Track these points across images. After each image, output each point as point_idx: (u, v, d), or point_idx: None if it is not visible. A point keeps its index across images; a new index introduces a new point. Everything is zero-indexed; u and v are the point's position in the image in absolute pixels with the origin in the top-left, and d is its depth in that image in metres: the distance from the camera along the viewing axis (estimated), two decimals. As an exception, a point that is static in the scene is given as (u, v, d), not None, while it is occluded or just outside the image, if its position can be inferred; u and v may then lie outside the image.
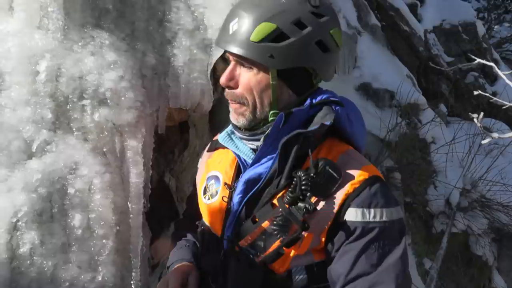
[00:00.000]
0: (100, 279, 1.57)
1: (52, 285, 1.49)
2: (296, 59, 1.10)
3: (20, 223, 1.47)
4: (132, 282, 1.70)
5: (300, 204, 1.04)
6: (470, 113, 2.24)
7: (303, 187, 1.04)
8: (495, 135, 2.21)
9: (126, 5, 1.82)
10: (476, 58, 3.18)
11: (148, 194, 1.86)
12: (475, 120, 2.13)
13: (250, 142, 1.20)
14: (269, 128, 1.13)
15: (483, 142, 2.38)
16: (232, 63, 1.16)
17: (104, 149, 1.69)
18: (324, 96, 1.19)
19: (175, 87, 1.89)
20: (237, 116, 1.18)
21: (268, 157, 1.16)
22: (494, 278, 5.52)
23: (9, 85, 1.58)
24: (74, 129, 1.66)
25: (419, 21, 7.89)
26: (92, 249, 1.58)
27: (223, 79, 1.16)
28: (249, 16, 1.08)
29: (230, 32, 1.10)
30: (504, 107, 2.73)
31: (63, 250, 1.53)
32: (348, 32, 5.68)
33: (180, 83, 1.89)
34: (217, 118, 2.71)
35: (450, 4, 9.04)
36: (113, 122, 1.69)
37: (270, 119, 1.15)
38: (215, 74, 2.15)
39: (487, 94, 2.81)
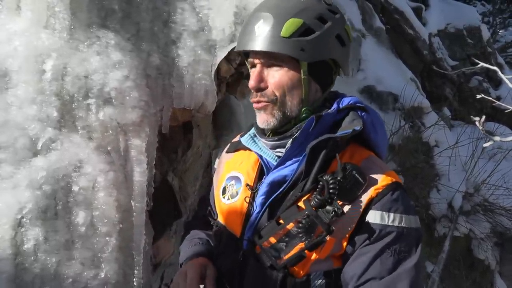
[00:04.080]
0: (102, 276, 1.58)
1: (56, 281, 1.50)
2: (323, 51, 1.14)
3: (24, 219, 1.49)
4: (134, 280, 1.71)
5: (329, 208, 1.05)
6: (472, 116, 2.25)
7: (331, 191, 1.05)
8: (497, 138, 2.21)
9: (132, 6, 1.83)
10: (479, 62, 3.18)
11: (151, 193, 1.87)
12: (476, 123, 2.14)
13: (276, 150, 1.21)
14: (298, 131, 1.15)
15: (484, 145, 2.38)
16: (259, 67, 1.17)
17: (109, 148, 1.71)
18: (351, 101, 1.21)
19: (179, 87, 1.90)
20: (266, 117, 1.18)
21: (294, 159, 1.16)
22: (496, 282, 5.51)
23: (16, 84, 1.60)
24: (79, 127, 1.67)
25: (423, 24, 7.90)
26: (95, 246, 1.60)
27: (252, 83, 1.16)
28: (275, 15, 1.11)
29: (257, 33, 1.12)
30: (507, 111, 2.73)
31: (66, 247, 1.55)
32: (352, 35, 5.69)
33: (184, 83, 1.90)
34: (221, 118, 2.72)
35: (455, 8, 9.04)
36: (118, 121, 1.71)
37: (302, 116, 1.17)
38: (219, 75, 2.16)
39: (490, 98, 2.81)
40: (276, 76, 1.15)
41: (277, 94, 1.15)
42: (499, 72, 2.92)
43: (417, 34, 7.15)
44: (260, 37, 1.11)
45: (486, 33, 9.07)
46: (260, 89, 1.17)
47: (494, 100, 2.89)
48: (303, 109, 1.17)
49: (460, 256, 5.28)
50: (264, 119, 1.19)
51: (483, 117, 2.11)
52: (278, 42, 1.10)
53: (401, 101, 5.77)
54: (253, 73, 1.17)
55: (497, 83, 8.55)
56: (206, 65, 1.93)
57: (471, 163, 6.05)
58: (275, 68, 1.15)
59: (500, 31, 13.52)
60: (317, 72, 1.16)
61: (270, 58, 1.14)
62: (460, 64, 7.96)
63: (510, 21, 13.87)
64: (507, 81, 2.78)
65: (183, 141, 2.43)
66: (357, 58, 5.82)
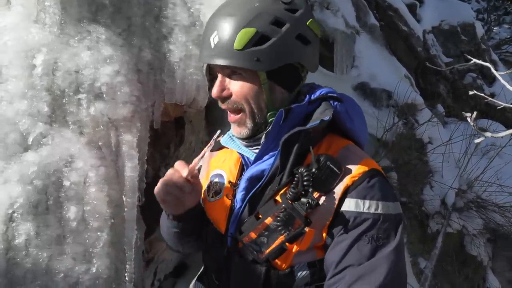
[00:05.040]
0: (94, 271, 1.59)
1: (47, 276, 1.50)
2: (281, 57, 1.11)
3: (15, 214, 1.49)
4: (126, 275, 1.71)
5: (303, 200, 1.05)
6: (463, 113, 2.26)
7: (305, 183, 1.05)
8: (488, 134, 2.22)
9: (123, 0, 1.83)
10: (472, 58, 3.20)
11: (143, 188, 1.87)
12: (468, 119, 2.15)
13: (253, 149, 1.21)
14: (270, 126, 1.14)
15: (476, 141, 2.40)
16: (220, 76, 1.16)
17: (100, 143, 1.71)
18: (323, 92, 1.20)
19: (170, 83, 1.90)
20: (239, 129, 1.18)
21: (270, 154, 1.16)
22: (489, 278, 5.56)
23: (6, 79, 1.59)
24: (70, 122, 1.67)
25: (418, 21, 7.92)
26: (87, 241, 1.60)
27: (214, 92, 1.16)
28: (228, 26, 1.08)
29: (212, 45, 1.10)
30: (499, 107, 2.75)
31: (58, 241, 1.55)
32: (346, 32, 5.70)
33: (175, 78, 1.91)
34: (213, 114, 2.73)
35: (449, 4, 9.05)
36: (109, 116, 1.71)
37: (269, 120, 1.16)
38: (211, 71, 2.16)
39: (482, 94, 2.83)
40: (237, 86, 1.14)
41: (242, 103, 1.15)
42: (492, 69, 2.94)
43: (411, 31, 7.16)
44: (215, 50, 1.10)
45: (480, 30, 9.10)
46: (223, 98, 1.16)
47: (486, 97, 2.91)
48: (268, 113, 1.16)
49: (452, 252, 5.31)
50: (237, 131, 1.19)
51: (475, 113, 2.12)
52: (232, 55, 1.08)
53: (395, 98, 5.78)
54: (216, 83, 1.17)
55: (491, 80, 8.59)
56: (197, 60, 1.93)
57: (464, 160, 6.08)
58: (234, 77, 1.14)
59: (494, 28, 13.58)
60: (279, 76, 1.14)
61: (229, 68, 1.13)
62: (454, 61, 7.99)
63: (505, 18, 13.93)
64: (500, 78, 2.79)
65: (175, 136, 2.43)
66: (351, 55, 5.83)
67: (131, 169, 1.76)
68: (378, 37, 6.54)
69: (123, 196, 1.75)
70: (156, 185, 1.20)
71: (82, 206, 1.62)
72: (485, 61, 4.00)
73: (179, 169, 1.17)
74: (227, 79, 1.16)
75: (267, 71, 1.11)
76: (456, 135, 6.04)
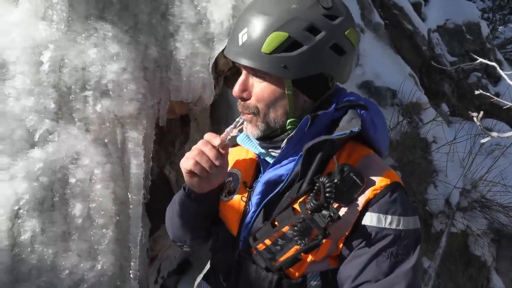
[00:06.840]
0: (99, 267, 1.59)
1: (52, 273, 1.51)
2: (311, 66, 1.05)
3: (21, 211, 1.49)
4: (130, 272, 1.72)
5: (325, 212, 1.01)
6: (470, 112, 2.25)
7: (327, 195, 1.01)
8: (495, 134, 2.21)
9: (130, -3, 1.83)
10: (478, 57, 3.18)
11: (148, 186, 1.88)
12: (474, 119, 2.14)
13: (270, 150, 1.17)
14: (293, 131, 1.10)
15: (482, 141, 2.39)
16: (244, 73, 1.11)
17: (106, 140, 1.71)
18: (350, 99, 1.15)
19: (176, 80, 1.90)
20: (251, 129, 1.14)
21: (290, 159, 1.12)
22: (493, 278, 5.53)
23: (13, 75, 1.60)
24: (76, 119, 1.68)
25: (423, 20, 7.86)
26: (92, 238, 1.61)
27: (236, 91, 1.11)
28: (259, 25, 1.02)
29: (240, 43, 1.05)
30: (505, 107, 2.73)
31: (63, 238, 1.55)
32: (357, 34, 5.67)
33: (181, 76, 1.90)
34: (218, 112, 2.72)
35: (454, 3, 8.99)
36: (115, 113, 1.71)
37: (288, 127, 1.12)
38: (216, 69, 2.16)
39: (487, 94, 2.81)
40: (258, 88, 1.09)
41: (259, 107, 1.10)
42: (498, 68, 2.92)
43: (416, 29, 7.12)
44: (242, 49, 1.04)
45: (485, 29, 9.04)
46: (243, 99, 1.12)
47: (492, 96, 2.89)
48: (288, 121, 1.11)
49: (456, 252, 5.29)
50: (250, 131, 1.15)
51: (481, 112, 2.11)
52: (258, 57, 1.03)
53: (399, 96, 5.76)
54: (239, 79, 1.12)
55: (496, 79, 8.55)
56: (204, 58, 1.93)
57: (468, 159, 6.06)
58: (258, 79, 1.09)
59: (499, 28, 13.52)
60: (305, 84, 1.09)
61: (253, 69, 1.07)
62: (459, 60, 7.94)
63: (510, 17, 13.86)
64: (506, 77, 2.78)
65: (180, 134, 2.43)
66: (356, 53, 5.81)
67: (137, 167, 1.76)
68: (382, 36, 6.51)
69: (128, 194, 1.75)
70: (161, 182, 1.19)
71: (87, 203, 1.62)
72: (490, 60, 3.98)
73: (210, 139, 1.12)
74: (251, 79, 1.11)
75: (293, 79, 1.06)
76: (461, 134, 6.01)
